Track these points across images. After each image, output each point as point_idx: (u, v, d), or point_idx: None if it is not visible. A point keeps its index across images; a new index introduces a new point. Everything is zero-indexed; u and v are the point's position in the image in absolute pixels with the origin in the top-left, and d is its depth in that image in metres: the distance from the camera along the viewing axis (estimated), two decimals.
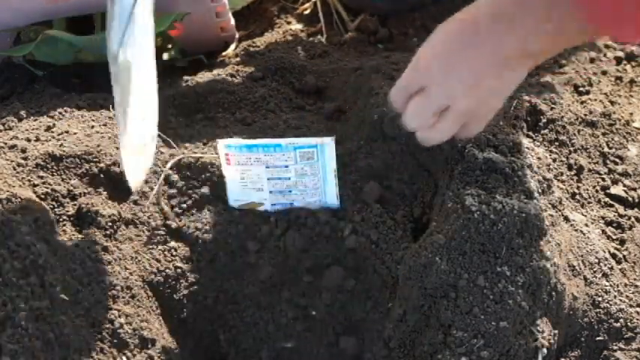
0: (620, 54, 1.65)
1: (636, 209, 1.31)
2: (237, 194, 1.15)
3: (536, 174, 1.13)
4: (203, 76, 1.44)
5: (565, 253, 1.11)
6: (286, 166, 1.13)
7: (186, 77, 1.44)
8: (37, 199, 1.04)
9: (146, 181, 1.17)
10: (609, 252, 1.21)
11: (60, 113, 1.25)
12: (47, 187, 1.08)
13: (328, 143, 1.11)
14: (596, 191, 1.31)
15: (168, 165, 1.19)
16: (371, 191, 1.18)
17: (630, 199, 1.31)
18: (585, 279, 1.14)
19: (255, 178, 1.14)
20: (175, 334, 1.09)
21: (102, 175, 1.14)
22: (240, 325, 1.12)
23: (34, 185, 1.07)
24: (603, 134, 1.39)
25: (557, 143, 1.31)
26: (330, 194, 1.15)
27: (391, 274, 1.12)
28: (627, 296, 1.17)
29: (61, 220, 1.06)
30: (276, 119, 1.35)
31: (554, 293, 1.05)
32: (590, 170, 1.32)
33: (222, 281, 1.13)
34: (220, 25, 1.56)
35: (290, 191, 1.15)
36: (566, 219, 1.19)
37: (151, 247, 1.12)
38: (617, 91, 1.54)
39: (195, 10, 1.47)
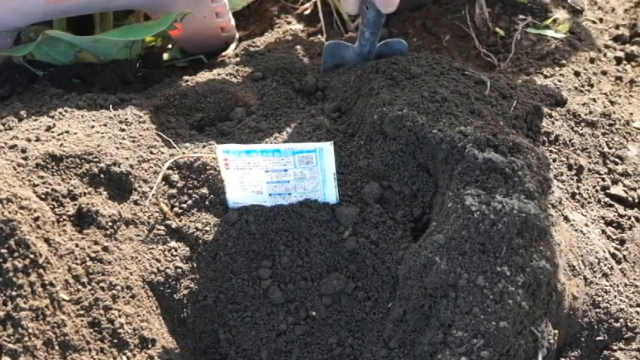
0: (620, 54, 1.65)
1: (636, 209, 1.31)
2: (236, 197, 1.15)
3: (536, 174, 1.13)
4: (203, 76, 1.44)
5: (565, 253, 1.11)
6: (285, 170, 1.12)
7: (186, 77, 1.44)
8: (38, 199, 1.04)
9: (146, 181, 1.17)
10: (609, 252, 1.21)
11: (60, 113, 1.25)
12: (47, 187, 1.08)
13: (327, 147, 1.11)
14: (596, 191, 1.31)
15: (167, 164, 1.19)
16: (371, 191, 1.18)
17: (630, 199, 1.31)
18: (585, 279, 1.14)
19: (254, 182, 1.13)
20: (175, 334, 1.09)
21: (102, 175, 1.14)
22: (240, 325, 1.12)
23: (35, 185, 1.07)
24: (603, 134, 1.39)
25: (557, 143, 1.31)
26: (329, 196, 1.15)
27: (391, 274, 1.12)
28: (627, 296, 1.17)
29: (61, 220, 1.06)
30: (277, 119, 1.35)
31: (554, 293, 1.05)
32: (590, 170, 1.32)
33: (222, 281, 1.13)
34: (220, 25, 1.56)
35: (289, 194, 1.15)
36: (566, 219, 1.19)
37: (151, 247, 1.12)
38: (617, 91, 1.54)
39: (196, 10, 1.47)
